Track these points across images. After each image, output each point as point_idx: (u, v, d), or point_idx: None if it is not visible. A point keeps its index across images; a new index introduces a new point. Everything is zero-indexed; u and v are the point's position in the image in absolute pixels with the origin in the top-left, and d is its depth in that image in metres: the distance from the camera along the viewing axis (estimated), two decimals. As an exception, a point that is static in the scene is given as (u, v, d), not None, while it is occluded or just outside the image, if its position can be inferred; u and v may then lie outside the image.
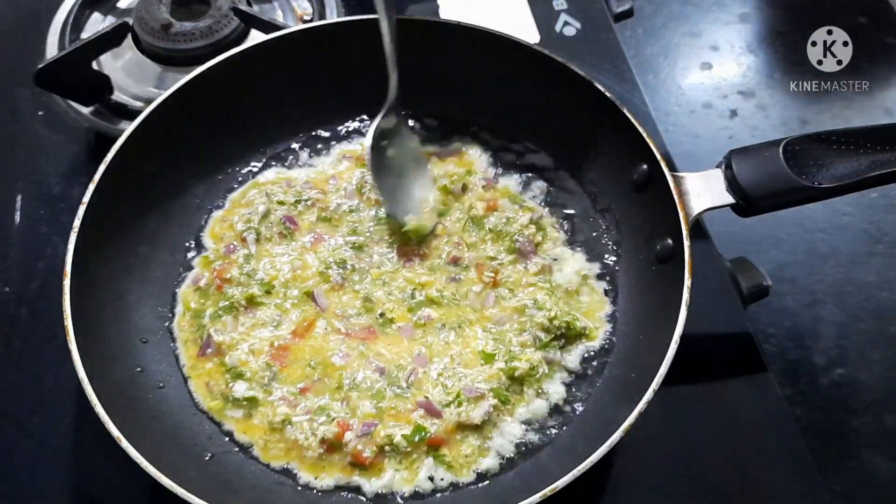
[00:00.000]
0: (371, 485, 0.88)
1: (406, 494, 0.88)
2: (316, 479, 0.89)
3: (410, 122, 1.15)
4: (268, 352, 0.95)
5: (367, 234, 1.05)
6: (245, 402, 0.93)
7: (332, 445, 0.89)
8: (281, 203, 1.07)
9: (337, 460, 0.89)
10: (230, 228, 1.06)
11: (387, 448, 0.89)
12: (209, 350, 0.96)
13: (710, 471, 0.96)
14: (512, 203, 1.07)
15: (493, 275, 1.01)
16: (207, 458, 0.89)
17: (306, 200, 1.07)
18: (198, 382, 0.95)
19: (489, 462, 0.90)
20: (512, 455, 0.91)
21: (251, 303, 0.99)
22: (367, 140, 1.05)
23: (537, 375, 0.94)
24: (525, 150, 1.13)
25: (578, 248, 1.06)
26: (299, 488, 0.88)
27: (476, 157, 1.13)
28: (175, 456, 0.86)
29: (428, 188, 1.08)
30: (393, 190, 1.06)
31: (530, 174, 1.12)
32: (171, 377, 0.95)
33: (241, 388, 0.93)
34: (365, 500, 0.88)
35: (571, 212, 1.08)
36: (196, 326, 0.98)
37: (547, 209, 1.08)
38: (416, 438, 0.89)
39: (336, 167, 1.12)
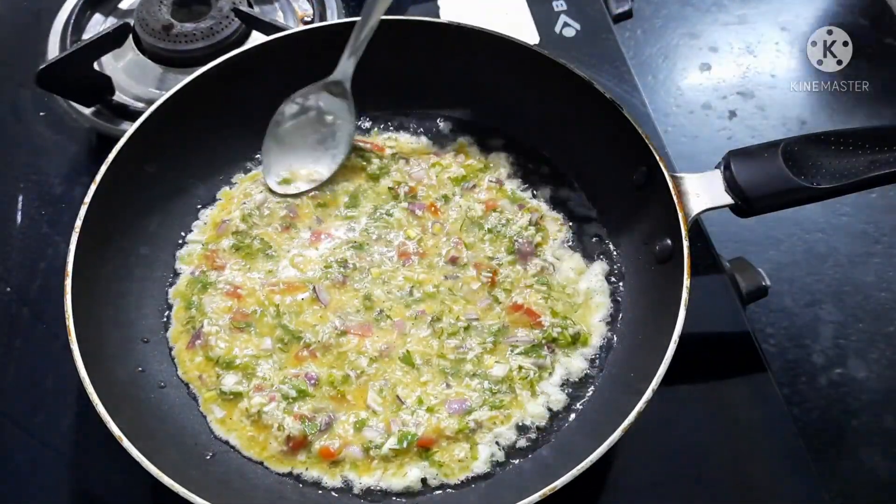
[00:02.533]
0: (361, 482, 0.89)
1: (397, 492, 0.88)
2: (306, 470, 0.89)
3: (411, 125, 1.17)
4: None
5: (366, 232, 1.06)
6: (232, 397, 0.93)
7: (298, 442, 0.90)
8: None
9: (314, 458, 0.90)
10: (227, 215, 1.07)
11: (371, 451, 0.90)
12: (198, 342, 0.97)
13: (708, 470, 0.96)
14: (512, 203, 1.08)
15: (491, 274, 1.01)
16: (209, 457, 0.90)
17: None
18: (190, 376, 0.95)
19: (485, 463, 0.90)
20: (509, 455, 0.91)
21: (247, 256, 1.02)
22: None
23: (528, 378, 0.94)
24: (524, 150, 1.14)
25: (577, 249, 1.06)
26: (301, 487, 0.89)
27: (476, 157, 1.13)
28: (176, 455, 0.87)
29: (321, 162, 1.10)
30: (284, 143, 1.09)
31: (529, 174, 1.12)
32: (173, 377, 0.95)
33: (230, 381, 0.94)
34: (360, 499, 0.88)
35: (570, 212, 1.09)
36: (186, 319, 0.99)
37: (546, 209, 1.09)
38: (405, 444, 0.89)
39: None
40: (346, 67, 1.05)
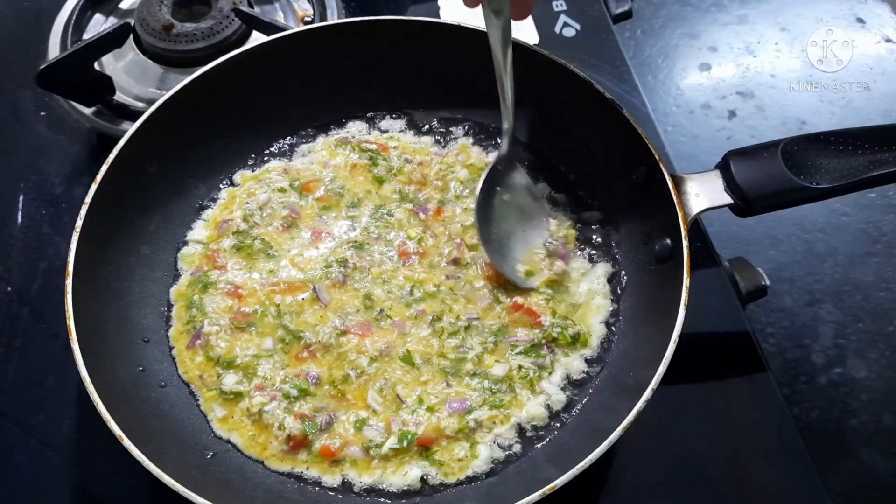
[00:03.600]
0: (362, 481, 0.89)
1: (397, 491, 0.89)
2: (307, 469, 0.89)
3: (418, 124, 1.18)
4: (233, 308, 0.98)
5: (367, 231, 1.06)
6: (232, 396, 0.93)
7: (298, 442, 0.90)
8: (282, 190, 1.08)
9: (314, 457, 0.90)
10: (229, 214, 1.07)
11: (371, 450, 0.90)
12: (199, 342, 0.97)
13: (708, 470, 0.96)
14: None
15: (492, 274, 1.01)
16: (209, 456, 0.90)
17: (305, 183, 1.09)
18: (191, 375, 0.95)
19: (485, 462, 0.90)
20: (509, 454, 0.91)
21: (248, 256, 1.02)
22: (478, 187, 1.02)
23: (528, 378, 0.94)
24: (524, 150, 1.14)
25: (577, 249, 1.06)
26: (301, 486, 0.89)
27: (478, 158, 1.13)
28: (177, 455, 0.87)
29: (539, 234, 1.05)
30: (501, 238, 1.03)
31: (530, 175, 1.12)
32: (173, 376, 0.96)
33: (230, 381, 0.94)
34: (361, 498, 0.88)
35: (570, 212, 1.09)
36: (187, 318, 0.99)
37: (548, 210, 1.09)
38: (405, 443, 0.89)
39: (333, 156, 1.12)
40: (505, 145, 1.03)
